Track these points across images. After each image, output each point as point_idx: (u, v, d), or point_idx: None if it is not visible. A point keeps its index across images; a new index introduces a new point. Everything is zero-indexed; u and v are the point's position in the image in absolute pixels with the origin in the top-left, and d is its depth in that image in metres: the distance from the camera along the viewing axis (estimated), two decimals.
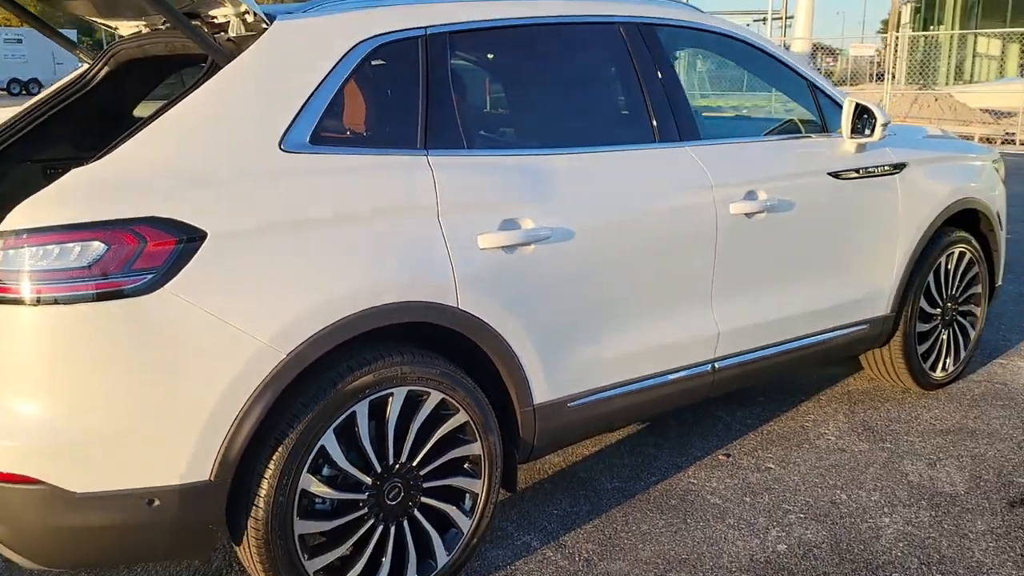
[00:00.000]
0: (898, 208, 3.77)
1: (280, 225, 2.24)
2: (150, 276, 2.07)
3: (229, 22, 2.53)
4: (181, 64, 3.35)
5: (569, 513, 3.14)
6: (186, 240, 2.10)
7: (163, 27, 3.00)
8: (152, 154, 2.19)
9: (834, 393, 4.24)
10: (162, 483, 2.12)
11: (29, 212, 2.05)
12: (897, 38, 32.24)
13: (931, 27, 35.45)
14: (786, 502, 3.20)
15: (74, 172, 2.12)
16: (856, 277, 3.68)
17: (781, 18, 63.97)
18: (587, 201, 2.78)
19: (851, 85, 35.41)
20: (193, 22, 2.53)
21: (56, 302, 2.03)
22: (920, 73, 31.65)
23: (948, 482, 3.34)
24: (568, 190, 2.74)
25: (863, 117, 3.50)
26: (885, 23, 61.10)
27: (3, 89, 37.85)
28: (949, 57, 32.50)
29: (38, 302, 2.03)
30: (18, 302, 2.03)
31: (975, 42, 31.77)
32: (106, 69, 3.22)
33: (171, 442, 2.12)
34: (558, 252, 2.68)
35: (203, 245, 2.12)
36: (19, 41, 38.43)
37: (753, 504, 3.19)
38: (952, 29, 33.14)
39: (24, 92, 37.26)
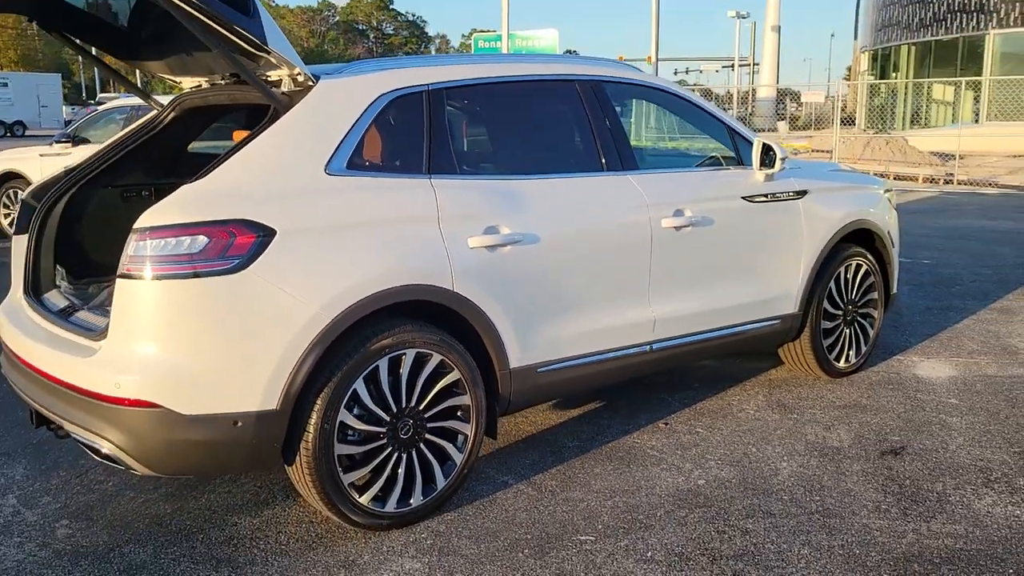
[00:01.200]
0: (802, 226, 4.70)
1: (326, 227, 3.10)
2: (238, 261, 2.92)
3: (282, 80, 3.42)
4: (232, 111, 4.23)
5: (537, 462, 3.99)
6: (262, 236, 2.96)
7: (223, 83, 3.89)
8: (237, 175, 3.06)
9: (758, 381, 5.14)
10: (244, 409, 2.96)
11: (152, 216, 2.91)
12: (850, 85, 33.67)
13: (889, 75, 37.12)
14: (707, 454, 4.07)
15: (183, 188, 2.99)
16: (767, 281, 4.59)
17: (748, 64, 65.88)
18: (550, 214, 3.67)
19: (816, 129, 36.97)
20: None
21: (172, 278, 2.88)
22: (879, 118, 33.17)
23: (837, 440, 4.23)
24: (535, 206, 3.63)
25: (769, 153, 4.44)
26: (850, 69, 63.39)
27: None
28: (905, 103, 34.04)
29: (159, 278, 2.88)
30: (144, 278, 2.88)
31: (930, 89, 33.33)
32: (173, 115, 4.08)
33: (250, 379, 2.96)
34: (528, 252, 3.57)
35: (274, 240, 2.98)
36: (5, 85, 39.24)
37: (683, 455, 4.05)
38: (907, 77, 34.78)
39: (8, 134, 37.99)
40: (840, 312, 5.04)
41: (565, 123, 4.01)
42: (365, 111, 3.35)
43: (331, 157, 3.22)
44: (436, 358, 3.35)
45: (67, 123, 40.07)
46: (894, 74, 36.48)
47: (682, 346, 4.24)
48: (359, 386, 3.18)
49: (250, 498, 3.64)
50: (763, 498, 3.62)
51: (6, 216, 10.55)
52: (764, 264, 4.57)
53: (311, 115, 3.25)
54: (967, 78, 27.75)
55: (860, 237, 5.11)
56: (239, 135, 3.99)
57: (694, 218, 4.15)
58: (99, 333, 3.08)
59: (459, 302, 3.38)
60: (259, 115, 3.96)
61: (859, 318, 5.18)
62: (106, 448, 2.98)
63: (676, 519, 3.44)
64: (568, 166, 3.94)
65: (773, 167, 4.40)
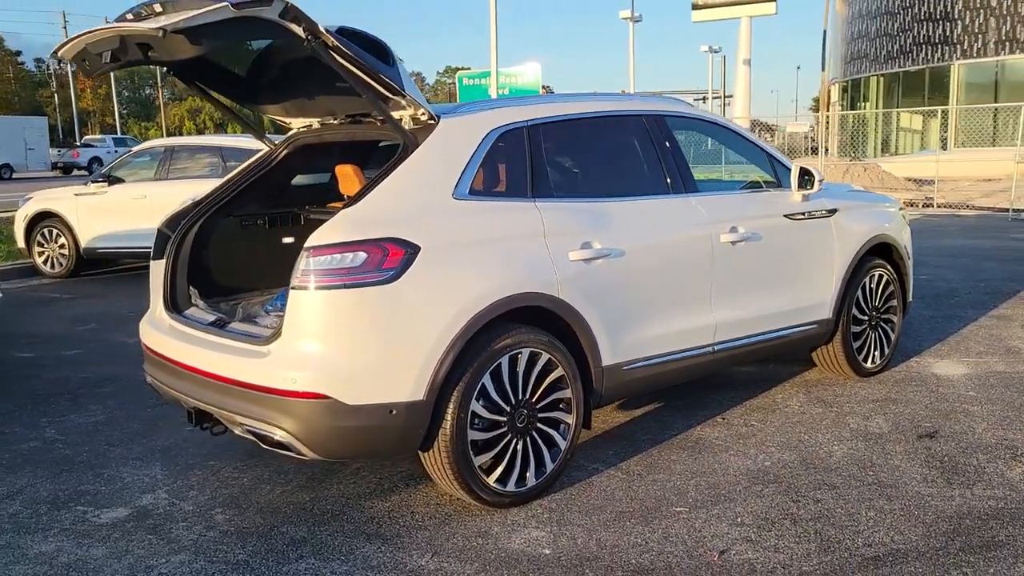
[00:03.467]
0: (834, 240, 5.28)
1: (457, 243, 3.62)
2: (391, 273, 3.43)
3: (402, 119, 3.95)
4: (342, 148, 4.75)
5: (619, 452, 4.49)
6: (410, 252, 3.48)
7: (335, 122, 4.41)
8: (385, 201, 3.58)
9: (795, 381, 5.69)
10: (397, 399, 3.45)
11: (320, 236, 3.42)
12: (826, 116, 34.83)
13: (859, 105, 38.33)
14: (767, 442, 4.60)
15: (342, 212, 3.50)
16: (807, 289, 5.16)
17: (720, 97, 67.32)
18: (631, 231, 4.22)
19: (790, 158, 38.09)
20: (366, 119, 3.99)
21: (338, 288, 3.38)
22: (851, 146, 34.25)
23: (877, 428, 4.78)
24: (619, 224, 4.18)
25: (805, 176, 5.03)
26: (816, 100, 65.18)
27: None
28: (876, 132, 35.17)
29: (327, 288, 3.38)
30: (314, 289, 3.38)
31: (899, 118, 34.48)
32: (286, 151, 4.59)
33: (403, 373, 3.46)
34: (615, 264, 4.10)
35: (419, 255, 3.49)
36: None
37: (744, 443, 4.58)
38: (877, 107, 35.97)
39: None
40: (866, 318, 5.61)
41: (637, 152, 4.57)
42: (480, 144, 3.88)
43: (456, 184, 3.75)
44: (545, 356, 3.86)
45: (54, 165, 40.31)
46: (864, 104, 37.68)
47: (739, 348, 4.78)
48: (486, 380, 3.68)
49: (374, 487, 4.11)
50: (824, 474, 4.15)
51: (40, 255, 10.93)
52: (804, 274, 5.14)
53: (438, 149, 3.79)
54: (935, 107, 28.84)
55: (880, 250, 5.70)
56: (343, 169, 4.54)
57: (746, 234, 4.71)
58: (265, 339, 3.57)
59: (563, 308, 3.91)
60: (365, 150, 4.54)
61: (882, 323, 5.76)
62: (279, 435, 3.46)
63: (753, 493, 3.96)
64: (642, 190, 4.49)
65: (812, 187, 4.99)
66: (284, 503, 3.97)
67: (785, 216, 5.01)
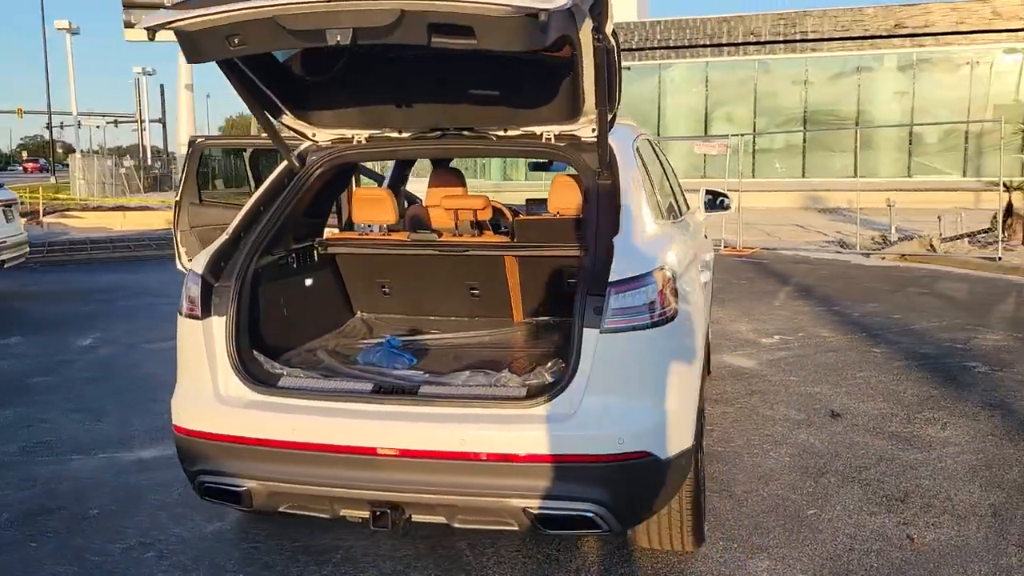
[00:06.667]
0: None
1: (678, 267, 3.33)
2: (674, 305, 3.06)
3: (543, 134, 3.49)
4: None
5: None
6: (672, 279, 3.13)
7: (404, 136, 3.64)
8: (635, 232, 3.14)
9: None
10: (687, 445, 3.08)
11: (619, 269, 2.92)
12: None
13: None
14: (749, 442, 4.98)
15: (619, 241, 3.00)
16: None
17: (153, 121, 64.33)
18: (680, 248, 4.22)
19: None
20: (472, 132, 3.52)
21: (644, 328, 2.91)
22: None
23: (794, 415, 5.48)
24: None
25: (708, 195, 5.54)
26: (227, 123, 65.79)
27: None
28: None
29: (633, 330, 2.90)
30: (627, 330, 2.87)
31: None
32: (320, 170, 3.60)
33: (688, 417, 3.11)
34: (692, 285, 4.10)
35: (677, 281, 3.16)
36: None
37: (736, 447, 4.89)
38: None
39: None
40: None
41: (661, 174, 4.58)
42: (632, 158, 3.60)
43: (647, 204, 3.44)
44: None
45: None
46: None
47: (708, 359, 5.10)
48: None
49: (527, 560, 3.51)
50: (835, 461, 4.66)
51: None
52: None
53: (631, 167, 3.44)
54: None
55: None
56: (375, 193, 3.83)
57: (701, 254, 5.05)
58: (527, 399, 2.89)
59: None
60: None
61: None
62: (578, 509, 2.83)
63: (826, 487, 4.33)
64: (679, 212, 4.55)
65: (728, 208, 5.53)
66: None
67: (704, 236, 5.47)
